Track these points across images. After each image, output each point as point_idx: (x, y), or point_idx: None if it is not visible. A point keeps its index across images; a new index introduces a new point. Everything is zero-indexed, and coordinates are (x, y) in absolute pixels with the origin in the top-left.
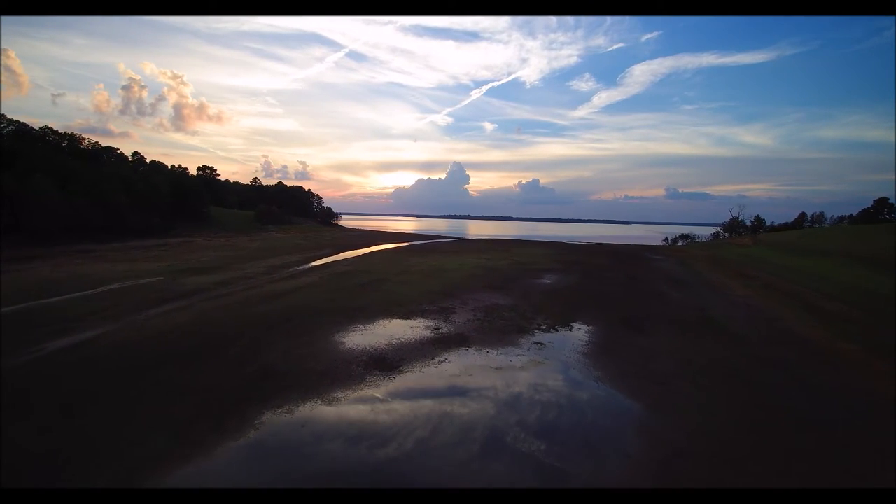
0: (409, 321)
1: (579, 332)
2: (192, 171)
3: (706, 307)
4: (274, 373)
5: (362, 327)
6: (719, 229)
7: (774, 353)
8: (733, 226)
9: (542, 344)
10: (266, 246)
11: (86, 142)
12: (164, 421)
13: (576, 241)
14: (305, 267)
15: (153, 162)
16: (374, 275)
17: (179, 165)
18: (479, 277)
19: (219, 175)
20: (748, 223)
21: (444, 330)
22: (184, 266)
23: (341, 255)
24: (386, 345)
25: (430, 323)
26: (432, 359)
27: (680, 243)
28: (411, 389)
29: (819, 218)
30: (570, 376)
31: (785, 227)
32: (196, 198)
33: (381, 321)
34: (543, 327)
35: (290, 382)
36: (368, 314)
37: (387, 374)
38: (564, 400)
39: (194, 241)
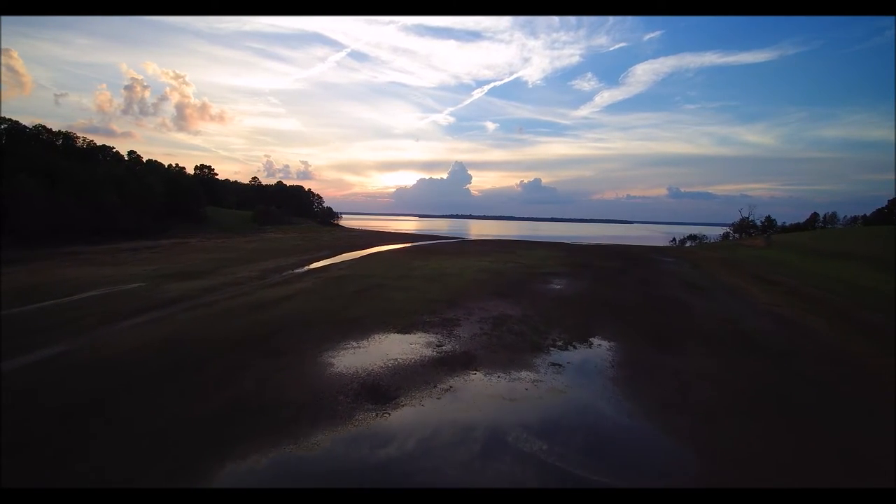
0: (408, 336)
1: (600, 350)
2: (193, 170)
3: (733, 318)
4: (246, 406)
5: (355, 344)
6: (729, 230)
7: (827, 374)
8: (743, 226)
9: (560, 366)
10: (262, 247)
11: (80, 140)
12: (93, 478)
13: (580, 242)
14: (300, 270)
15: (150, 161)
16: (372, 280)
17: (177, 165)
18: (483, 282)
19: (216, 174)
20: (758, 223)
21: (448, 347)
22: (171, 270)
23: (339, 257)
24: (381, 368)
25: (432, 338)
26: (434, 386)
27: (688, 244)
28: (409, 431)
29: (832, 218)
30: (599, 411)
31: (796, 227)
32: (192, 198)
33: (376, 336)
34: (559, 344)
35: (262, 419)
36: (364, 328)
37: (380, 409)
38: (595, 444)
39: (188, 242)
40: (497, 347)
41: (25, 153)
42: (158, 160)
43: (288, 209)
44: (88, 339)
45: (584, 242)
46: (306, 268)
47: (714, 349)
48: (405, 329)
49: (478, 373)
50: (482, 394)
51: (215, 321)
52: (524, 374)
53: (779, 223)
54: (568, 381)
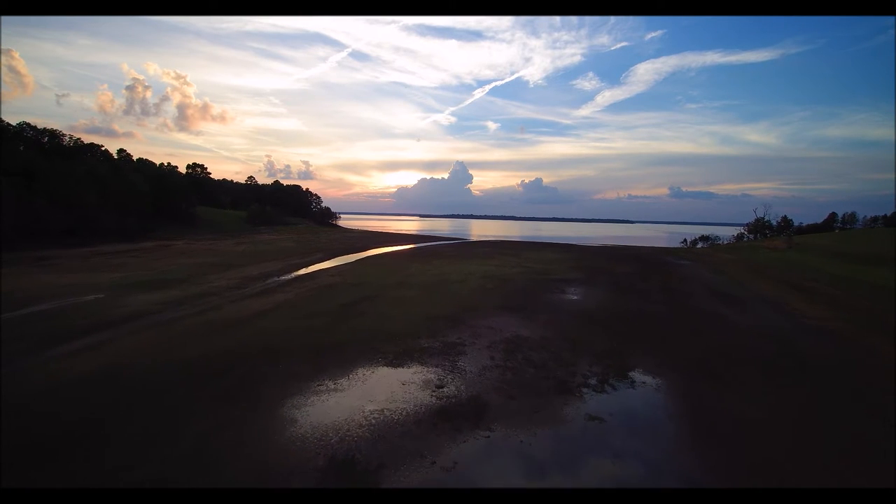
0: (400, 371)
1: (645, 391)
2: (185, 169)
3: (781, 336)
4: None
5: (331, 385)
6: (742, 230)
7: None
8: (758, 227)
9: (601, 421)
10: (252, 250)
11: (67, 139)
12: None
13: (586, 243)
14: (287, 277)
15: (140, 160)
16: (364, 289)
17: (169, 164)
18: (490, 292)
19: (209, 173)
20: (774, 223)
21: (451, 389)
22: (141, 278)
23: (333, 261)
24: (360, 427)
25: (431, 374)
26: (432, 462)
27: (699, 245)
28: None
29: (850, 218)
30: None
31: (814, 228)
32: (181, 197)
33: (360, 371)
34: (592, 381)
35: None
36: (345, 358)
37: None
38: None
39: (173, 245)
40: (514, 388)
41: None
42: (151, 160)
43: (285, 209)
44: (6, 371)
45: (590, 244)
46: (294, 274)
47: (777, 384)
48: (398, 360)
49: (492, 434)
50: (500, 474)
51: (167, 347)
52: (555, 432)
53: (804, 224)
54: (615, 444)
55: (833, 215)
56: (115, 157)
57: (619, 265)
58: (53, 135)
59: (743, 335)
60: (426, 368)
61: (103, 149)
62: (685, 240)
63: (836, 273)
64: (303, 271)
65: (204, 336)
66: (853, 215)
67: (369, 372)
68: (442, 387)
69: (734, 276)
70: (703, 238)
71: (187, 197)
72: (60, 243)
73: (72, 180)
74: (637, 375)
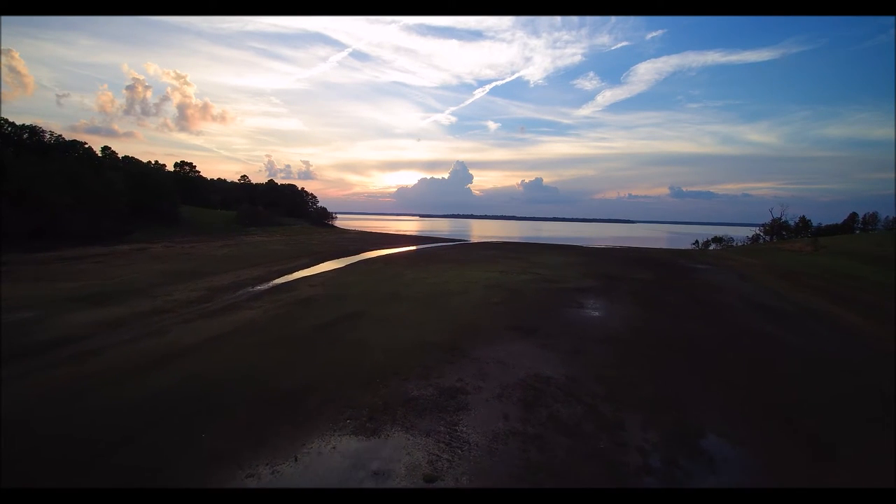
0: (374, 444)
1: (729, 470)
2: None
3: (856, 367)
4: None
5: (268, 472)
6: (758, 231)
7: None
8: (776, 228)
9: None
10: (234, 254)
11: (48, 136)
12: None
13: (592, 245)
14: (261, 288)
15: (126, 158)
16: (347, 304)
17: (156, 162)
18: (497, 307)
19: (199, 171)
20: (792, 224)
21: (449, 480)
22: (93, 290)
23: (320, 266)
24: None
25: (419, 452)
26: None
27: (712, 247)
28: None
29: (872, 219)
30: None
31: (834, 228)
32: (165, 197)
33: (315, 445)
34: (655, 463)
35: None
36: (301, 417)
37: None
38: None
39: (149, 248)
40: (544, 476)
41: None
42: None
43: (280, 209)
44: None
45: (596, 245)
46: (271, 283)
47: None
48: (374, 421)
49: None
50: None
51: (63, 396)
52: None
53: (822, 224)
54: None
55: (853, 216)
56: (100, 154)
57: (635, 270)
58: (33, 131)
59: (812, 367)
60: (412, 439)
61: (86, 146)
62: (696, 241)
63: (877, 280)
64: (283, 279)
65: (119, 379)
66: (874, 216)
67: (329, 447)
68: (435, 478)
69: (765, 284)
70: (716, 239)
71: (171, 196)
72: (24, 247)
73: (40, 179)
74: (713, 446)
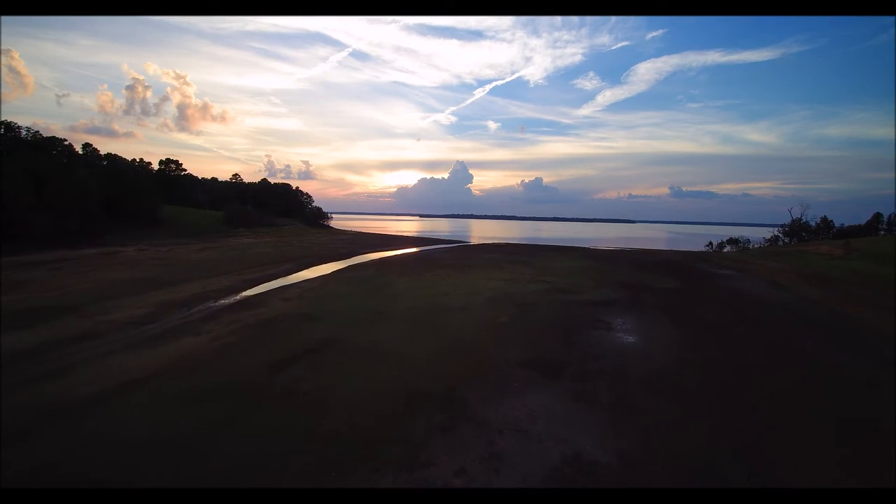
0: None
1: None
2: (192, 170)
3: None
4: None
5: None
6: (777, 232)
7: None
8: (796, 229)
9: None
10: (212, 259)
11: (24, 132)
12: None
13: (598, 246)
14: (224, 302)
15: (108, 155)
16: (320, 327)
17: (142, 160)
18: (506, 329)
19: (185, 170)
20: (813, 225)
21: None
22: (24, 305)
23: (303, 273)
24: None
25: None
26: None
27: (727, 249)
28: None
29: None
30: None
31: (855, 230)
32: (142, 196)
33: None
34: None
35: None
36: None
37: None
38: None
39: (120, 252)
40: None
41: None
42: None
43: (272, 209)
44: None
45: (601, 246)
46: (240, 295)
47: None
48: None
49: None
50: None
51: None
52: None
53: (845, 225)
54: None
55: (878, 216)
56: (81, 152)
57: (655, 277)
58: (9, 127)
59: None
60: None
61: (66, 143)
62: (710, 243)
63: None
64: (254, 291)
65: None
66: None
67: None
68: None
69: (806, 295)
70: (732, 241)
71: (151, 196)
72: None
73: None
74: None
